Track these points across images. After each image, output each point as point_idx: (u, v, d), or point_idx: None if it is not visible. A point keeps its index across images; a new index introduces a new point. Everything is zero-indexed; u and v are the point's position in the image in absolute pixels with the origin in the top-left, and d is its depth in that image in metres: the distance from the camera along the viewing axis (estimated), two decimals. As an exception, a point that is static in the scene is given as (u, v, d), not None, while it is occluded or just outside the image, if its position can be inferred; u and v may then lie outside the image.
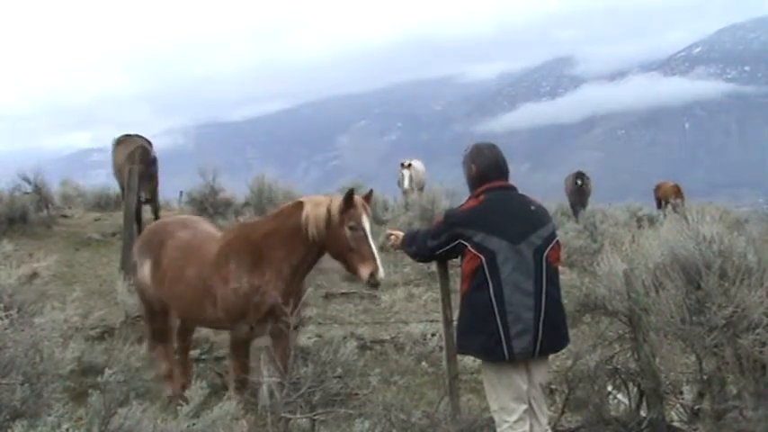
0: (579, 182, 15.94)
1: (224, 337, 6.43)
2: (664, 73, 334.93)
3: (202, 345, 6.60)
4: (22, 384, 3.15)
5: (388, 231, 4.73)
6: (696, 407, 4.38)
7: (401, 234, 4.50)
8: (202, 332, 6.46)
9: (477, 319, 3.79)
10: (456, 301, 4.12)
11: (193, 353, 6.15)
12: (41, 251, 8.86)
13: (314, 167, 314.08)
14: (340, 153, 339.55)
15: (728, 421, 4.06)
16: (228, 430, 3.66)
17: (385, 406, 4.41)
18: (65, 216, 12.28)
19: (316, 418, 4.21)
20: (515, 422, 3.75)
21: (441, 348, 5.58)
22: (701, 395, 4.39)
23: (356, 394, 5.04)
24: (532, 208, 3.97)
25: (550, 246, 3.89)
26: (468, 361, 5.82)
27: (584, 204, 15.75)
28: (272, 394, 4.33)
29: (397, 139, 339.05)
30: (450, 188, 12.78)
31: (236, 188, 13.22)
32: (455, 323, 4.16)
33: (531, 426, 3.81)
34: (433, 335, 6.99)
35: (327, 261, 4.88)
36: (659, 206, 18.55)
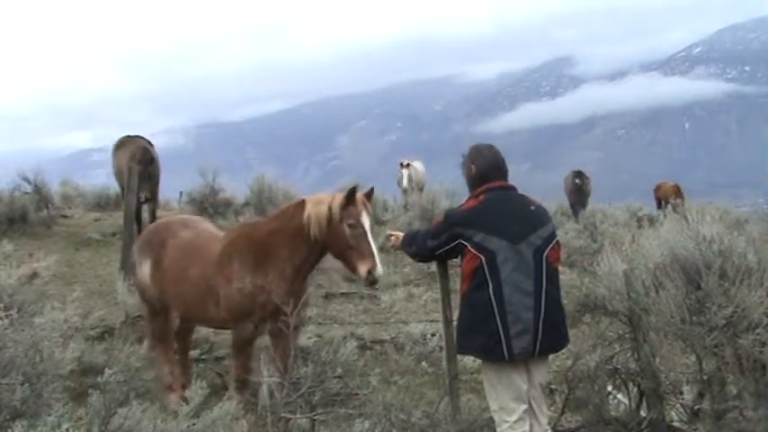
0: (578, 181, 15.93)
1: (224, 337, 6.43)
2: (664, 73, 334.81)
3: (202, 345, 6.60)
4: (22, 384, 3.15)
5: (389, 232, 4.73)
6: (696, 407, 4.38)
7: (401, 235, 4.50)
8: (202, 332, 6.46)
9: (477, 319, 3.79)
10: (456, 301, 4.12)
11: (193, 353, 6.15)
12: (41, 251, 8.86)
13: (314, 167, 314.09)
14: (340, 153, 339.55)
15: (728, 421, 4.06)
16: (228, 430, 3.67)
17: (385, 406, 4.41)
18: (65, 216, 12.28)
19: (316, 418, 4.21)
20: (515, 422, 3.76)
21: (441, 348, 5.58)
22: (700, 395, 4.39)
23: (356, 394, 5.04)
24: (532, 208, 3.97)
25: (550, 246, 3.89)
26: (468, 361, 5.82)
27: (583, 204, 15.74)
28: (272, 394, 4.33)
29: (397, 139, 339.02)
30: (450, 188, 12.78)
31: (236, 188, 13.22)
32: (455, 323, 4.16)
33: (531, 426, 3.81)
34: (433, 335, 6.99)
35: (327, 261, 4.88)
36: (659, 206, 18.56)
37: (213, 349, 6.60)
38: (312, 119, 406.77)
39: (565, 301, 4.19)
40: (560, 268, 4.17)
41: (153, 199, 9.99)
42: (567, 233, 11.84)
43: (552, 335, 3.81)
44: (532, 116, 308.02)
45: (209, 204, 12.22)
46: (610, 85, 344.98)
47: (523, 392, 3.80)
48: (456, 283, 4.10)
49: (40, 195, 11.33)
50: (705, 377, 4.25)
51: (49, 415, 3.14)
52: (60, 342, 3.65)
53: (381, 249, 4.67)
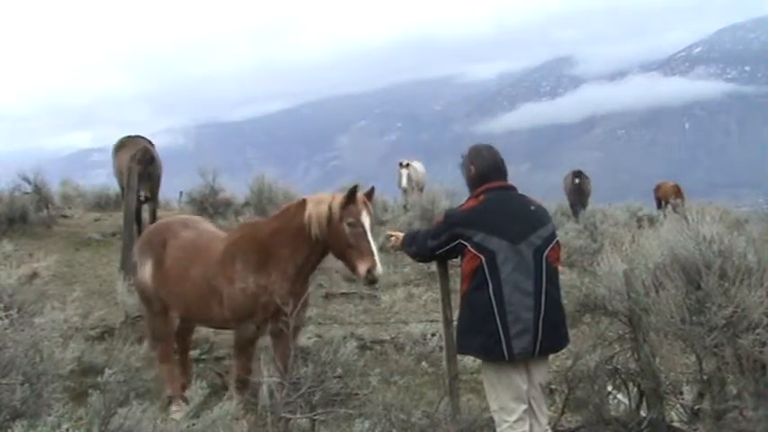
0: (577, 180, 15.94)
1: (224, 337, 6.43)
2: (664, 73, 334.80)
3: (202, 345, 6.60)
4: (22, 384, 3.15)
5: (388, 232, 4.73)
6: (696, 407, 4.38)
7: (401, 235, 4.51)
8: (202, 332, 6.46)
9: (477, 319, 3.79)
10: (456, 301, 4.12)
11: (193, 353, 6.15)
12: (41, 251, 8.86)
13: (314, 167, 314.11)
14: (340, 153, 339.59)
15: (728, 421, 4.06)
16: (228, 430, 3.67)
17: (385, 406, 4.41)
18: (65, 216, 12.28)
19: (316, 418, 4.22)
20: (515, 422, 3.76)
21: (441, 348, 5.58)
22: (701, 395, 4.39)
23: (356, 394, 5.05)
24: (532, 208, 3.97)
25: (550, 246, 3.89)
26: (468, 361, 5.82)
27: (583, 204, 15.75)
28: (272, 394, 4.33)
29: (397, 139, 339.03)
30: (450, 188, 12.78)
31: (236, 188, 13.22)
32: (455, 323, 4.16)
33: (531, 426, 3.81)
34: (433, 335, 6.99)
35: (328, 261, 4.88)
36: (659, 206, 18.56)
37: (213, 349, 6.60)
38: (312, 119, 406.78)
39: (565, 301, 4.19)
40: (560, 268, 4.17)
41: (153, 199, 9.98)
42: (567, 233, 11.84)
43: (552, 335, 3.81)
44: (532, 116, 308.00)
45: (209, 204, 12.22)
46: (610, 85, 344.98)
47: (523, 392, 3.80)
48: (456, 283, 4.10)
49: (40, 195, 11.33)
50: (705, 377, 4.25)
51: (49, 415, 3.14)
52: (60, 342, 3.65)
53: (381, 249, 4.67)
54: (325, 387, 4.23)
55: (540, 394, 3.90)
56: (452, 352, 4.44)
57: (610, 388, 4.80)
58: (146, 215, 10.01)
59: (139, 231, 8.67)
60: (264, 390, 4.56)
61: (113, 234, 10.74)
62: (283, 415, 4.06)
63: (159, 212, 10.36)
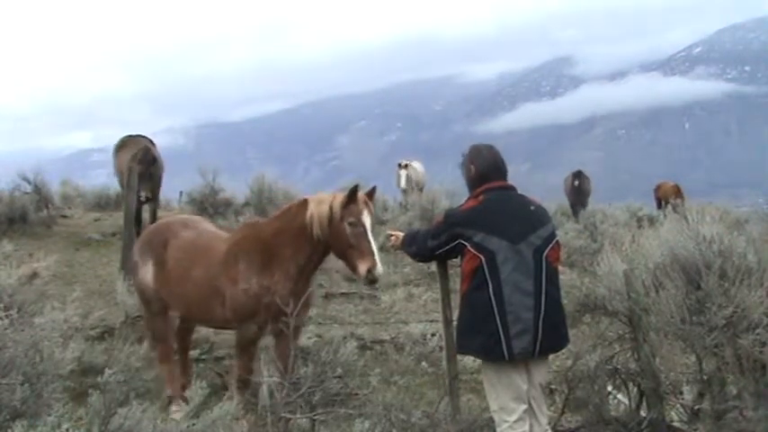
0: (576, 182, 15.97)
1: (224, 337, 6.43)
2: (664, 73, 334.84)
3: (202, 345, 6.60)
4: (22, 384, 3.15)
5: (388, 232, 4.73)
6: (696, 407, 4.38)
7: (401, 234, 4.51)
8: (202, 332, 6.46)
9: (477, 319, 3.79)
10: (456, 301, 4.12)
11: (193, 353, 6.15)
12: (41, 251, 8.86)
13: (314, 167, 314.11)
14: (340, 153, 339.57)
15: (728, 421, 4.06)
16: (228, 430, 3.67)
17: (385, 406, 4.41)
18: (65, 216, 12.28)
19: (316, 418, 4.22)
20: (515, 422, 3.76)
21: (441, 348, 5.58)
22: (701, 395, 4.39)
23: (356, 394, 5.04)
24: (532, 208, 3.97)
25: (550, 246, 3.89)
26: (468, 361, 5.82)
27: (583, 204, 15.76)
28: (272, 394, 4.33)
29: (397, 139, 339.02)
30: (451, 188, 12.78)
31: (236, 188, 13.21)
32: (455, 323, 4.16)
33: (531, 426, 3.81)
34: (433, 335, 6.99)
35: (328, 260, 4.88)
36: (659, 206, 18.56)
37: (213, 349, 6.60)
38: (312, 119, 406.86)
39: (565, 301, 4.19)
40: (560, 268, 4.17)
41: (154, 199, 9.98)
42: (567, 233, 11.85)
43: (552, 335, 3.81)
44: (532, 116, 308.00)
45: (209, 204, 12.22)
46: (610, 85, 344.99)
47: (523, 392, 3.80)
48: (456, 283, 4.10)
49: (40, 195, 11.33)
50: (705, 377, 4.25)
51: (49, 415, 3.14)
52: (60, 342, 3.65)
53: (381, 249, 4.67)
54: (325, 387, 4.23)
55: (540, 394, 3.90)
56: (452, 352, 4.44)
57: (610, 388, 4.80)
58: (146, 215, 10.01)
59: (139, 232, 8.66)
60: (264, 390, 4.56)
61: (113, 234, 10.74)
62: (283, 415, 4.06)
63: (159, 212, 10.35)
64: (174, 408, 5.05)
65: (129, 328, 6.69)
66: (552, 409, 4.90)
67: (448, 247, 3.98)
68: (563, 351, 4.42)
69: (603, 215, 14.39)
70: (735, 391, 4.14)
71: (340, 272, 8.75)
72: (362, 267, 4.26)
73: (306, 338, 6.63)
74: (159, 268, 5.13)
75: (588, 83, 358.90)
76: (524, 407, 3.79)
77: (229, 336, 6.00)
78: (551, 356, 4.35)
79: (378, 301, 8.61)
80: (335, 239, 4.41)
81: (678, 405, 4.61)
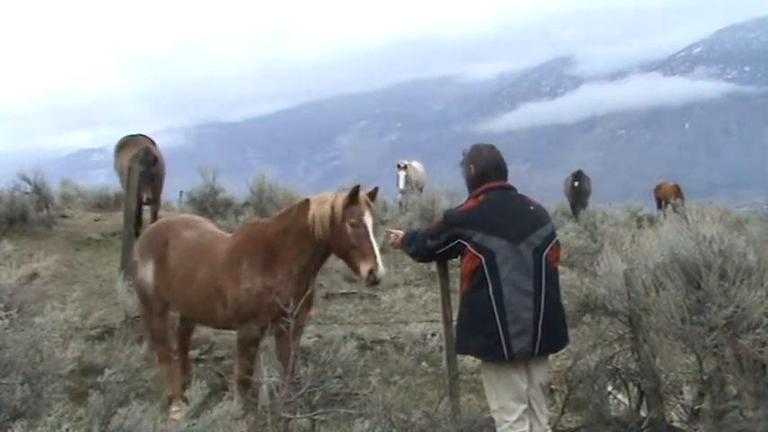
0: (576, 182, 15.98)
1: (224, 337, 6.43)
2: (664, 73, 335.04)
3: (202, 345, 6.60)
4: (22, 384, 3.15)
5: (388, 230, 4.73)
6: (696, 407, 4.38)
7: (401, 233, 4.51)
8: (202, 332, 6.46)
9: (477, 318, 3.79)
10: (456, 301, 4.12)
11: (193, 353, 6.15)
12: (41, 251, 8.85)
13: (314, 167, 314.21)
14: (340, 153, 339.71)
15: (728, 421, 4.06)
16: (228, 430, 3.66)
17: (385, 406, 4.41)
18: (65, 216, 12.27)
19: (316, 418, 4.22)
20: (515, 422, 3.75)
21: (441, 348, 5.58)
22: (701, 395, 4.39)
23: (356, 394, 5.04)
24: (532, 208, 3.97)
25: (550, 246, 3.89)
26: (468, 361, 5.82)
27: (584, 204, 15.77)
28: (271, 394, 4.33)
29: (397, 139, 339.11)
30: (451, 188, 12.77)
31: (236, 188, 13.21)
32: (455, 323, 4.16)
33: (531, 425, 3.81)
34: (433, 335, 6.99)
35: (329, 260, 4.87)
36: (659, 206, 18.56)
37: (213, 349, 6.60)
38: (312, 119, 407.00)
39: (565, 301, 4.19)
40: (560, 268, 4.17)
41: (155, 200, 9.97)
42: (567, 233, 11.85)
43: (552, 335, 3.81)
44: (532, 116, 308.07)
45: (209, 204, 12.21)
46: (610, 85, 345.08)
47: (523, 392, 3.80)
48: (456, 283, 4.10)
49: (40, 195, 11.31)
50: (705, 377, 4.25)
51: (49, 415, 3.14)
52: (60, 342, 3.65)
53: (382, 249, 4.67)
54: (325, 387, 4.23)
55: (540, 394, 3.90)
56: (452, 352, 4.44)
57: (610, 388, 4.80)
58: (147, 215, 10.00)
59: (139, 232, 8.65)
60: (264, 390, 4.56)
61: (113, 234, 10.73)
62: (283, 415, 4.05)
63: (159, 212, 10.35)
64: (174, 408, 5.05)
65: (129, 328, 6.69)
66: (552, 409, 4.90)
67: (447, 247, 3.98)
68: (563, 351, 4.42)
69: (603, 215, 14.40)
70: (735, 391, 4.14)
71: (340, 272, 8.75)
72: (364, 269, 4.25)
73: (306, 338, 6.63)
74: (160, 267, 5.12)
75: (588, 83, 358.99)
76: (524, 407, 3.79)
77: (229, 336, 6.00)
78: (551, 356, 4.35)
79: (378, 301, 8.61)
80: (337, 240, 4.41)
81: (678, 405, 4.61)
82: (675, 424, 4.53)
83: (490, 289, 3.73)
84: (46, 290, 6.38)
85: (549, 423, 4.08)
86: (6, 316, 3.50)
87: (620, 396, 4.83)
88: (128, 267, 6.95)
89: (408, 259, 6.67)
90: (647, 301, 4.39)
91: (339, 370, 4.41)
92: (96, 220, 12.22)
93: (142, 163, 9.26)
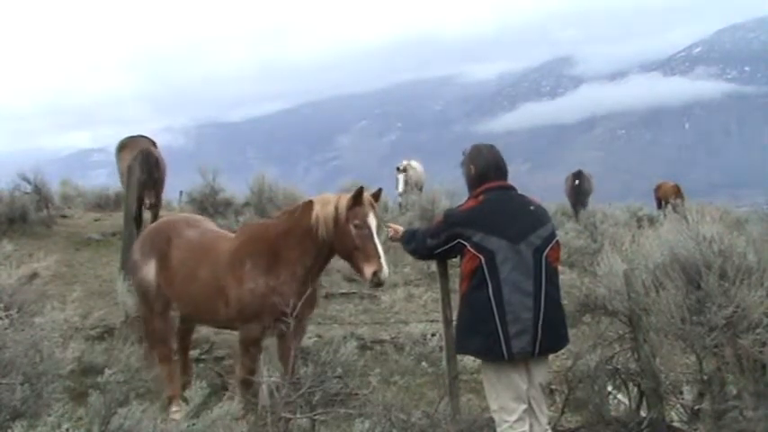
0: (577, 182, 15.99)
1: (224, 337, 6.43)
2: (664, 73, 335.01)
3: (202, 345, 6.60)
4: (22, 384, 3.15)
5: (388, 224, 4.74)
6: (696, 407, 4.38)
7: (401, 229, 4.52)
8: (202, 332, 6.46)
9: (477, 318, 3.79)
10: (456, 301, 4.12)
11: (193, 353, 6.14)
12: (41, 251, 8.85)
13: (314, 167, 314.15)
14: (340, 153, 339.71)
15: (728, 421, 4.06)
16: (228, 430, 3.67)
17: (385, 406, 4.41)
18: (65, 216, 12.27)
19: (316, 418, 4.21)
20: (515, 422, 3.75)
21: (441, 348, 5.58)
22: (701, 395, 4.39)
23: (356, 394, 5.04)
24: (532, 208, 3.97)
25: (550, 246, 3.89)
26: (468, 361, 5.82)
27: (584, 204, 15.77)
28: (271, 394, 4.33)
29: (397, 139, 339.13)
30: (451, 188, 12.78)
31: (236, 188, 13.21)
32: (455, 323, 4.16)
33: (531, 425, 3.81)
34: (433, 335, 6.99)
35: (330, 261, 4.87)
36: (659, 206, 18.57)
37: (213, 349, 6.60)
38: (312, 119, 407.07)
39: (565, 301, 4.19)
40: (560, 268, 4.17)
41: (157, 201, 9.96)
42: (567, 233, 11.85)
43: (552, 335, 3.81)
44: (532, 116, 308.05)
45: (209, 204, 12.21)
46: (610, 85, 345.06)
47: (523, 392, 3.80)
48: (456, 283, 4.10)
49: (40, 195, 11.31)
50: (705, 377, 4.25)
51: (49, 415, 3.14)
52: (60, 342, 3.65)
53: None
54: (325, 387, 4.23)
55: (540, 394, 3.90)
56: (452, 352, 4.44)
57: (610, 388, 4.80)
58: (147, 215, 9.99)
59: (139, 232, 8.64)
60: (264, 390, 4.55)
61: (113, 234, 10.73)
62: (283, 415, 4.05)
63: (159, 212, 10.34)
64: (174, 408, 5.05)
65: (129, 328, 6.69)
66: (552, 409, 4.90)
67: (447, 247, 3.98)
68: (563, 351, 4.42)
69: (603, 215, 14.40)
70: (735, 391, 4.14)
71: (340, 271, 8.74)
72: (368, 270, 4.24)
73: (306, 338, 6.63)
74: (163, 266, 5.10)
75: (588, 83, 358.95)
76: (524, 407, 3.79)
77: (230, 336, 6.00)
78: (551, 356, 4.35)
79: (378, 301, 8.61)
80: (341, 241, 4.40)
81: (678, 405, 4.61)
82: (675, 424, 4.53)
83: (490, 289, 3.73)
84: (46, 290, 6.38)
85: (549, 423, 4.09)
86: (6, 316, 3.51)
87: (620, 396, 4.83)
88: (128, 267, 6.95)
89: (408, 259, 6.68)
90: (647, 301, 4.39)
91: (339, 370, 4.40)
92: (96, 220, 12.22)
93: (144, 168, 9.22)
